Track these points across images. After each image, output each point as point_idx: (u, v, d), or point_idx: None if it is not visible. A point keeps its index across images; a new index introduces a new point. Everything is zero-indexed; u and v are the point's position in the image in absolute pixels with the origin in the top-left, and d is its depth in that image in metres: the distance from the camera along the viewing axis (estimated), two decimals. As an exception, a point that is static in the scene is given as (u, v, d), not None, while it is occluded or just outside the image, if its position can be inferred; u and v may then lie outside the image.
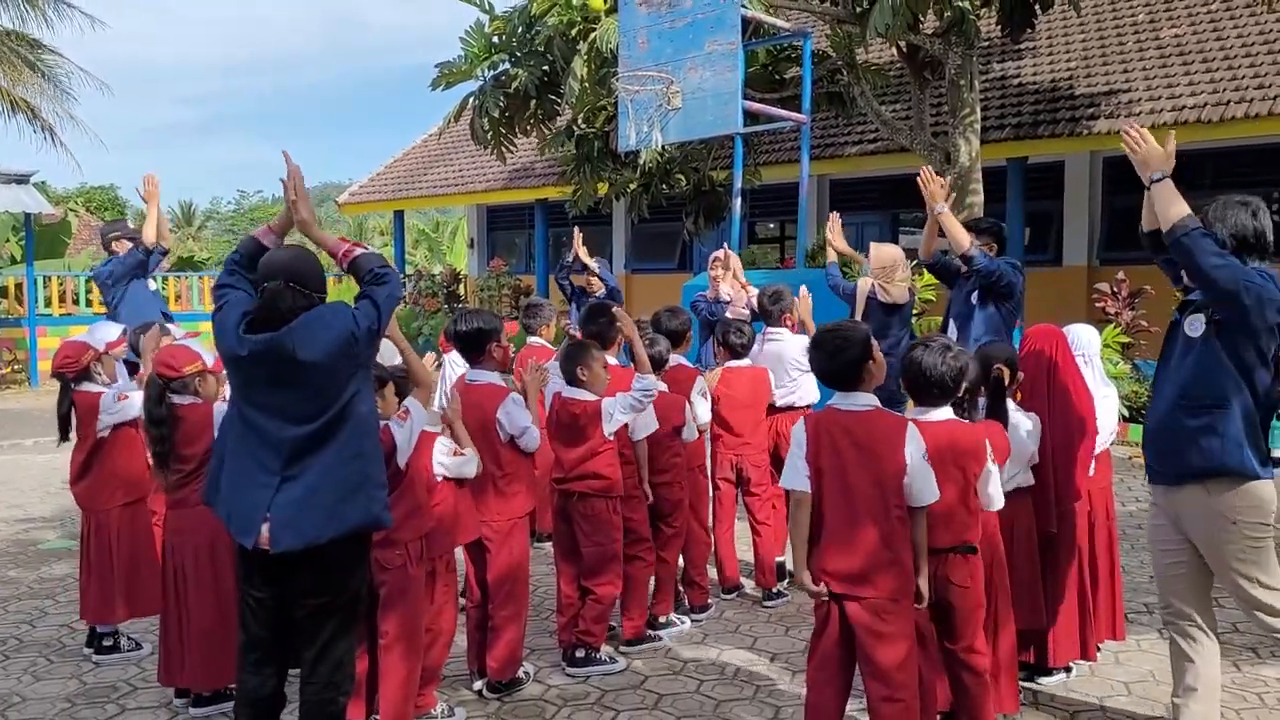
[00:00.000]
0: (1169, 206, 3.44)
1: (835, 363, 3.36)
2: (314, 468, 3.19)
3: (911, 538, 3.28)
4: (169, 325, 6.04)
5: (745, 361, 5.58)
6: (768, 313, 5.87)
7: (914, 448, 3.25)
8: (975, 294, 5.82)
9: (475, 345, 4.36)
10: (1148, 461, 3.71)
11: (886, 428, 3.29)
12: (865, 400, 3.34)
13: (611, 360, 4.79)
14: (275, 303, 3.19)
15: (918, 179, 5.88)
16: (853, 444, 3.27)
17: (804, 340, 5.71)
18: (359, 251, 3.37)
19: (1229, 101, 11.45)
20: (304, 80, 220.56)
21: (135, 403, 4.57)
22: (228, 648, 4.13)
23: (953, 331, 5.88)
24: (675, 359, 5.33)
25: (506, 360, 4.62)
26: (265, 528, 3.17)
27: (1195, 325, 3.51)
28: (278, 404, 3.21)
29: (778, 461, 5.72)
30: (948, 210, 5.82)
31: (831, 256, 6.98)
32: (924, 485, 3.27)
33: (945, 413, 3.55)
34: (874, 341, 3.41)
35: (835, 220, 7.00)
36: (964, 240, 5.72)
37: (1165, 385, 3.59)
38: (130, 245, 7.32)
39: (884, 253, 6.57)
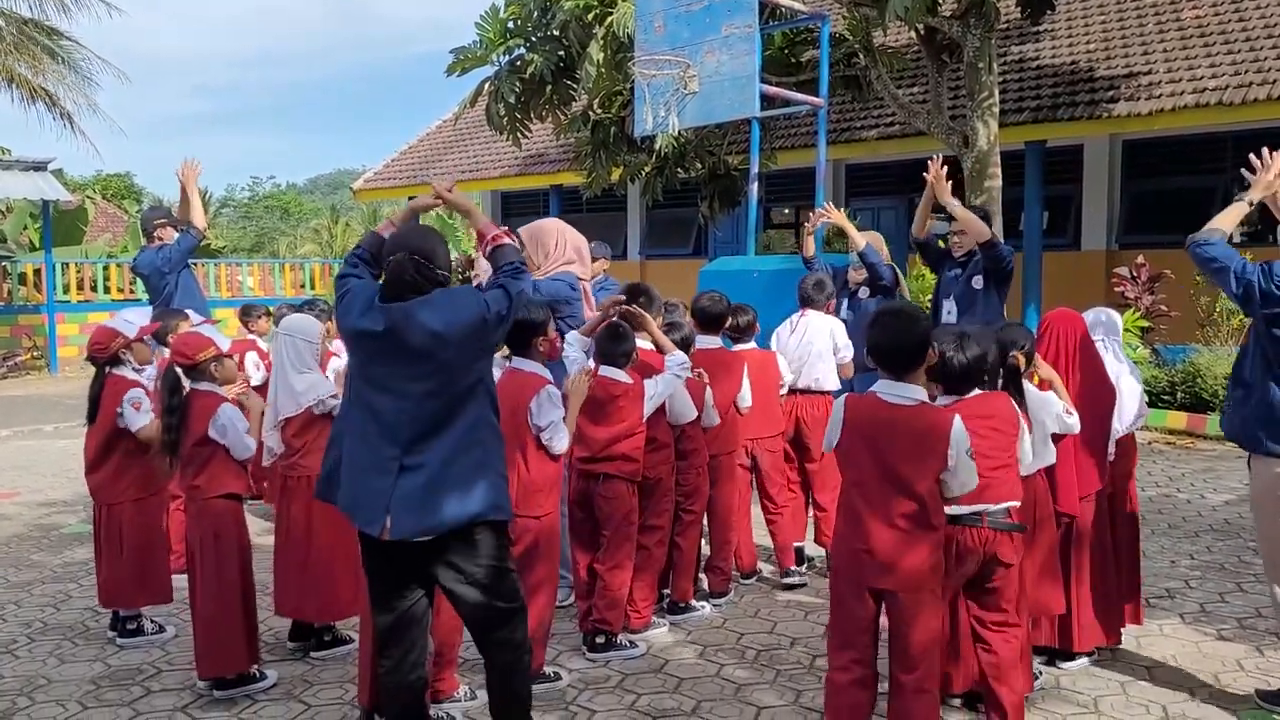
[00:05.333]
0: (1225, 218, 4.13)
1: (902, 339, 3.27)
2: (435, 452, 3.18)
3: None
4: (186, 311, 6.10)
5: (750, 345, 5.56)
6: (811, 300, 5.92)
7: (958, 443, 3.22)
8: (978, 278, 5.85)
9: (519, 341, 4.14)
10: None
11: (933, 425, 3.23)
12: (913, 393, 3.27)
13: (646, 345, 4.76)
14: (400, 274, 3.19)
15: (926, 172, 5.86)
16: (894, 437, 3.23)
17: (830, 322, 5.86)
18: (506, 241, 3.39)
19: (1251, 83, 11.31)
20: (318, 71, 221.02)
21: (147, 422, 4.58)
22: (230, 635, 4.17)
23: (949, 313, 5.91)
24: (714, 342, 5.30)
25: (554, 353, 4.43)
26: (388, 517, 3.17)
27: None
28: (401, 381, 3.18)
29: (799, 446, 5.73)
30: (959, 203, 5.83)
31: (858, 243, 6.45)
32: (967, 479, 3.26)
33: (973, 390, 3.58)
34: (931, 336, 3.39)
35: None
36: (985, 230, 5.77)
37: None
38: (175, 232, 7.39)
39: (876, 237, 6.84)
